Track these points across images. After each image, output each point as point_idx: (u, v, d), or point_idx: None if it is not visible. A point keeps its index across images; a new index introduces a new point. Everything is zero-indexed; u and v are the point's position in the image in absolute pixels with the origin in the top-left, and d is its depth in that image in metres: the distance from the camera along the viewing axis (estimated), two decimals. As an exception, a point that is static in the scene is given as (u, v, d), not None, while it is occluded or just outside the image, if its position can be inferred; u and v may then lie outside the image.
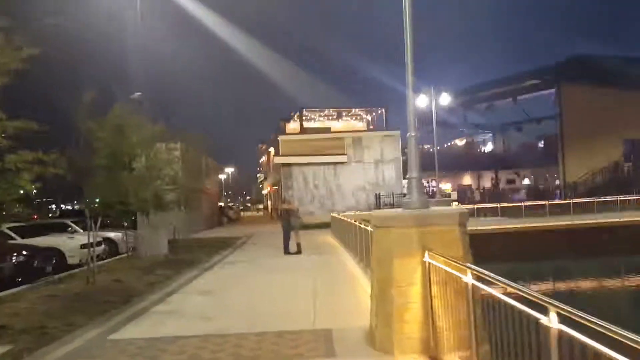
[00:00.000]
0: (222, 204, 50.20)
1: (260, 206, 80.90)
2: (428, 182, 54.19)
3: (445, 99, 20.55)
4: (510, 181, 52.09)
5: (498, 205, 20.58)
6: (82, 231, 15.70)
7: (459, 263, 3.73)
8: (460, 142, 61.09)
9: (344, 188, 27.30)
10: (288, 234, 13.98)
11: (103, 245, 14.45)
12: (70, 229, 16.17)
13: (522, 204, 20.93)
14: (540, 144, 53.73)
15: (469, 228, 4.92)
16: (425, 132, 48.33)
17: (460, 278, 3.71)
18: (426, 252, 4.35)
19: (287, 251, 13.85)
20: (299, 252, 13.79)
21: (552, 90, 33.62)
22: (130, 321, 6.61)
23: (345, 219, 14.71)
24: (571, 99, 31.97)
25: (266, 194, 73.14)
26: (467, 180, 57.82)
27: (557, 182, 51.30)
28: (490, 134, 57.75)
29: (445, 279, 4.06)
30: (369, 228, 8.78)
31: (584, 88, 31.14)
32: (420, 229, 4.66)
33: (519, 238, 16.73)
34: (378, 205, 26.68)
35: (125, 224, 16.46)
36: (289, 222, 13.98)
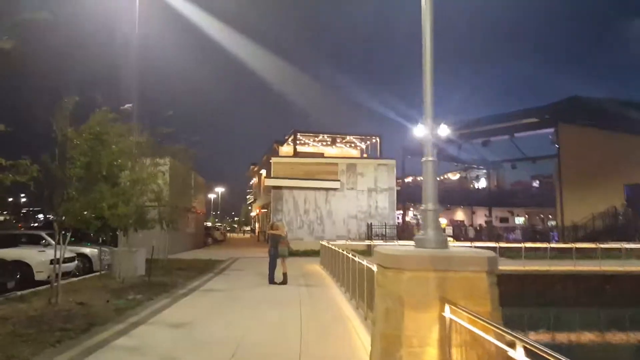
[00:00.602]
0: (209, 223, 48.94)
1: (248, 228, 79.49)
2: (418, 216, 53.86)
3: (444, 130, 20.08)
4: (503, 219, 51.68)
5: (497, 245, 19.82)
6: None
7: (494, 325, 2.92)
8: (453, 177, 60.96)
9: (335, 215, 26.46)
10: (274, 262, 13.06)
11: (75, 262, 13.38)
12: (43, 241, 15.06)
13: (523, 245, 20.22)
14: (535, 184, 53.77)
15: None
16: (418, 164, 48.44)
17: (493, 344, 2.90)
18: (446, 305, 3.53)
19: (272, 281, 12.89)
20: (284, 282, 12.84)
21: (550, 130, 33.49)
22: (83, 358, 5.64)
23: (336, 249, 13.85)
24: (569, 140, 31.81)
25: (254, 216, 71.92)
26: (459, 215, 57.32)
27: (552, 223, 51.10)
28: (484, 170, 57.70)
29: (471, 341, 3.24)
30: (366, 264, 7.95)
31: (582, 129, 31.02)
32: (439, 274, 3.88)
33: (519, 282, 15.95)
34: (369, 236, 25.83)
35: (101, 240, 15.47)
36: (277, 248, 13.08)
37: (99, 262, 14.82)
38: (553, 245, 20.94)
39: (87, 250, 14.72)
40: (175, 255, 22.40)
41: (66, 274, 12.70)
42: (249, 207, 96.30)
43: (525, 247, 19.37)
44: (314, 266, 18.46)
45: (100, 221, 10.82)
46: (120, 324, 7.53)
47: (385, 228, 25.96)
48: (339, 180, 26.72)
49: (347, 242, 20.09)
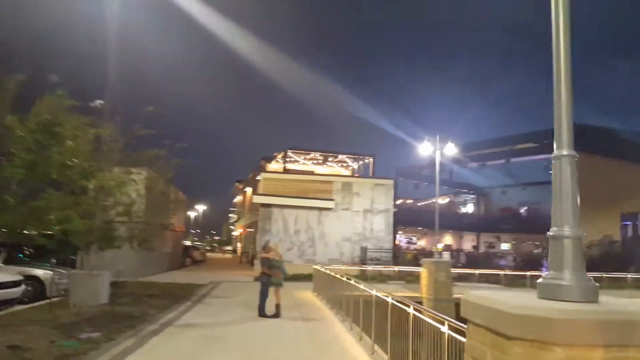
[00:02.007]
0: (188, 242, 46.22)
1: (229, 248, 76.48)
2: (409, 240, 52.19)
3: (450, 149, 18.56)
4: (490, 245, 50.39)
5: (502, 272, 18.19)
6: (2, 265, 12.28)
7: None
8: (441, 201, 59.71)
9: (328, 237, 24.45)
10: (266, 291, 11.02)
11: (21, 286, 11.06)
12: (-14, 260, 12.68)
13: (528, 273, 18.65)
14: (523, 210, 52.78)
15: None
16: (411, 187, 46.94)
17: None
18: None
19: (262, 312, 10.83)
20: (277, 315, 10.80)
21: (548, 156, 32.47)
22: None
23: (339, 276, 11.90)
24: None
25: (237, 236, 69.25)
26: (447, 240, 55.85)
27: (539, 250, 49.99)
28: (473, 195, 56.66)
29: None
30: (413, 311, 5.98)
31: (581, 156, 29.96)
32: (611, 355, 2.05)
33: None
34: (364, 260, 23.87)
35: (56, 261, 13.18)
36: (269, 275, 11.06)
37: (55, 286, 12.50)
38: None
39: (39, 272, 12.35)
40: (148, 277, 20.00)
41: (7, 302, 10.42)
42: (231, 227, 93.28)
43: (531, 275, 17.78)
44: (307, 293, 16.39)
45: (49, 237, 8.73)
46: (58, 383, 5.42)
47: (382, 252, 24.05)
48: (333, 200, 24.82)
49: (344, 267, 18.16)
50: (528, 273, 18.57)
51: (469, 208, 59.58)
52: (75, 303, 10.52)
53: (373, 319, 7.69)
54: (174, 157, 14.26)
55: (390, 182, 26.15)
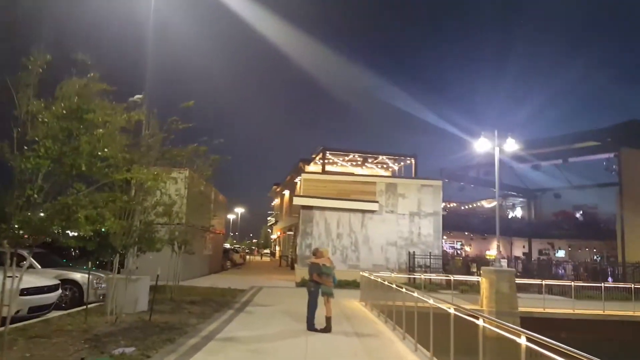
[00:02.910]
0: (227, 245, 46.02)
1: (267, 251, 76.28)
2: (453, 246, 49.75)
3: (511, 144, 16.83)
4: (543, 252, 47.31)
5: (572, 283, 16.32)
6: (39, 267, 11.80)
7: None
8: (487, 204, 56.86)
9: (372, 241, 23.10)
10: (315, 301, 9.90)
11: (59, 291, 10.47)
12: (24, 262, 12.23)
13: (602, 284, 16.65)
14: (579, 215, 49.32)
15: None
16: (456, 189, 44.64)
17: None
18: None
19: (311, 326, 9.72)
20: (328, 329, 9.65)
21: (609, 155, 29.77)
22: None
23: (392, 285, 10.64)
24: (633, 166, 28.01)
25: (275, 239, 68.91)
26: (495, 246, 53.03)
27: (597, 257, 46.44)
28: (522, 199, 53.55)
29: None
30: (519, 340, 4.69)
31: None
32: None
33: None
34: (411, 267, 22.36)
35: (97, 264, 12.58)
36: (318, 283, 9.93)
37: (93, 291, 11.91)
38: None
39: (77, 276, 11.79)
40: (189, 281, 19.40)
41: (43, 307, 9.81)
42: (269, 230, 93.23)
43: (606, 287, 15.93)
44: (354, 303, 15.19)
45: (87, 239, 7.97)
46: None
47: (430, 258, 22.43)
48: (377, 202, 23.47)
49: (394, 275, 16.78)
50: (603, 284, 16.60)
51: (518, 212, 56.49)
52: (112, 310, 9.78)
53: (452, 345, 6.39)
54: (212, 154, 13.51)
55: (439, 183, 24.50)
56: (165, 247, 12.49)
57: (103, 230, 7.51)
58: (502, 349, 5.10)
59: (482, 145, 17.27)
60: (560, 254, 51.05)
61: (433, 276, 20.16)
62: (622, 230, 27.62)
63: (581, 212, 49.15)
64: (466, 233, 46.78)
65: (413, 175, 30.84)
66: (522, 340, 4.29)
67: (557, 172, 39.48)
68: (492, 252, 46.12)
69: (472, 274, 23.38)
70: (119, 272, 11.25)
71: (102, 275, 12.25)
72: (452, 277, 17.41)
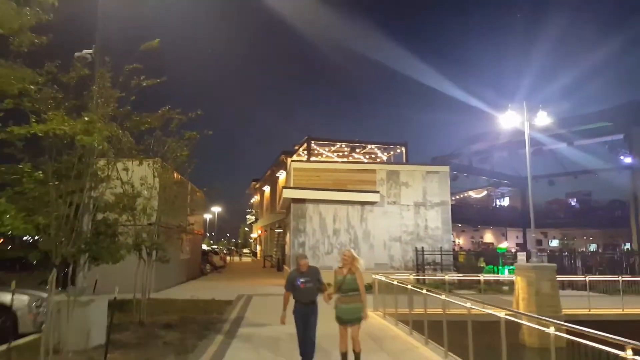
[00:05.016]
0: (204, 246, 42.54)
1: (246, 251, 72.90)
2: (454, 240, 47.57)
3: (542, 118, 14.40)
4: (537, 242, 45.82)
5: (619, 277, 14.11)
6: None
7: None
8: (476, 195, 55.12)
9: (373, 237, 20.40)
10: (313, 330, 7.02)
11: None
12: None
13: (620, 277, 14.59)
14: (573, 202, 47.99)
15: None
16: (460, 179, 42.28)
17: None
18: None
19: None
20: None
21: (618, 136, 27.94)
22: None
23: (431, 293, 7.96)
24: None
25: (256, 238, 65.74)
26: (488, 237, 51.33)
27: (590, 246, 45.25)
28: (511, 188, 51.99)
29: None
30: None
31: None
32: None
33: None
34: (420, 265, 19.77)
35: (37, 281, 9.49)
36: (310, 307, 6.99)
37: (31, 318, 8.78)
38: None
39: (7, 298, 8.58)
40: (163, 292, 16.30)
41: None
42: (247, 229, 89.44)
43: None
44: (369, 314, 12.39)
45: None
46: None
47: (441, 254, 19.90)
48: (377, 192, 20.77)
49: (412, 276, 14.14)
50: (620, 278, 14.52)
51: (506, 201, 55.03)
52: (51, 348, 6.72)
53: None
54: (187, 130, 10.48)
55: (446, 169, 21.97)
56: (132, 254, 9.51)
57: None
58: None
59: (508, 119, 14.76)
60: (554, 243, 49.77)
61: (459, 276, 17.48)
62: (636, 215, 25.85)
63: (575, 199, 47.85)
64: (459, 225, 44.73)
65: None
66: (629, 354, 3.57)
67: (557, 156, 37.71)
68: (504, 245, 44.27)
69: (479, 269, 21.06)
70: (64, 290, 8.18)
71: (44, 295, 9.11)
72: (481, 277, 14.89)
